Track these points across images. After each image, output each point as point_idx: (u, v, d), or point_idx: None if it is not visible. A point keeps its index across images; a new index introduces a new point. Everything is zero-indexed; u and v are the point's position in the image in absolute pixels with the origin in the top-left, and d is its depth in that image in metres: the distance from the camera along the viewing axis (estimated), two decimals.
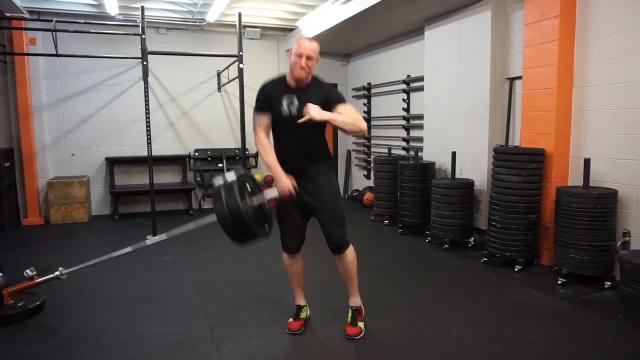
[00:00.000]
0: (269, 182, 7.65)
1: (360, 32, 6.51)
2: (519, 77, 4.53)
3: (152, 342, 2.82)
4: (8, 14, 5.93)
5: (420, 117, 6.12)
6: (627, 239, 3.64)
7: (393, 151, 6.61)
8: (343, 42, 7.41)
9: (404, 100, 6.61)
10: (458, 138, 5.31)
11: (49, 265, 4.28)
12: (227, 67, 6.85)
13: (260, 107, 2.77)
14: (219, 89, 7.50)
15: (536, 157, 4.03)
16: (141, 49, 5.43)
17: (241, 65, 5.84)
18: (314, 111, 2.52)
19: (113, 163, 6.98)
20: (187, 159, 7.39)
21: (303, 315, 3.03)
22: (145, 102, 5.48)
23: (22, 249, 5.18)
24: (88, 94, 6.84)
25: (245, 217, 2.40)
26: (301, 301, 3.07)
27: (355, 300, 2.96)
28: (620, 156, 3.70)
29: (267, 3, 6.38)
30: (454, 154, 5.00)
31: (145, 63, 5.41)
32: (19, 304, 3.22)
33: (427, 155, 5.89)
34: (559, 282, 3.72)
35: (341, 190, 7.59)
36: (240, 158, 6.65)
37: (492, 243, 4.23)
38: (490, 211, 4.30)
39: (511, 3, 4.72)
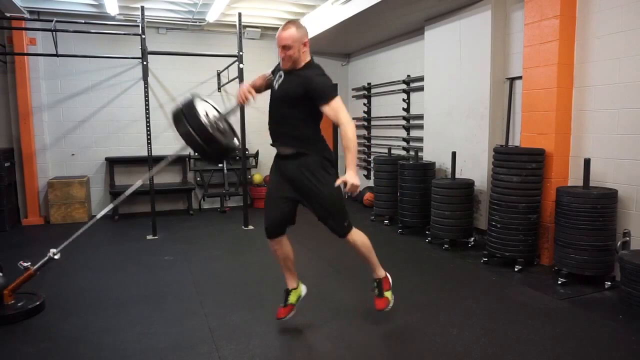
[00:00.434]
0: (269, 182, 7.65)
1: (360, 32, 6.51)
2: (519, 77, 4.53)
3: (152, 342, 2.82)
4: (8, 14, 5.93)
5: (420, 117, 6.12)
6: (627, 239, 3.64)
7: (393, 151, 6.61)
8: (343, 42, 7.41)
9: (404, 100, 6.61)
10: (458, 138, 5.31)
11: (49, 266, 4.29)
12: (227, 67, 6.85)
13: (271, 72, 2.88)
14: (219, 89, 7.49)
15: (536, 157, 4.03)
16: (141, 49, 5.44)
17: (241, 66, 5.84)
18: (355, 188, 2.48)
19: (113, 163, 6.98)
20: (187, 159, 7.39)
21: (292, 299, 2.94)
22: (145, 102, 5.49)
23: (22, 249, 5.17)
24: (88, 94, 6.84)
25: (210, 130, 2.60)
26: (292, 284, 2.98)
27: (378, 273, 2.92)
28: (620, 156, 3.70)
29: (267, 3, 6.38)
30: (454, 154, 5.00)
31: (145, 63, 5.42)
32: (19, 304, 3.23)
33: (427, 155, 5.89)
34: (559, 282, 3.72)
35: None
36: (240, 158, 6.65)
37: (492, 243, 4.23)
38: (490, 211, 4.30)
39: (511, 3, 4.72)
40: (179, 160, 7.43)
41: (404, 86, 6.60)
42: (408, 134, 6.65)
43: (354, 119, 8.68)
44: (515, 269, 4.06)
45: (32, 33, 6.22)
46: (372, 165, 7.40)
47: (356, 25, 6.04)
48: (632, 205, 3.63)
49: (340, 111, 2.57)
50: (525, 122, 4.33)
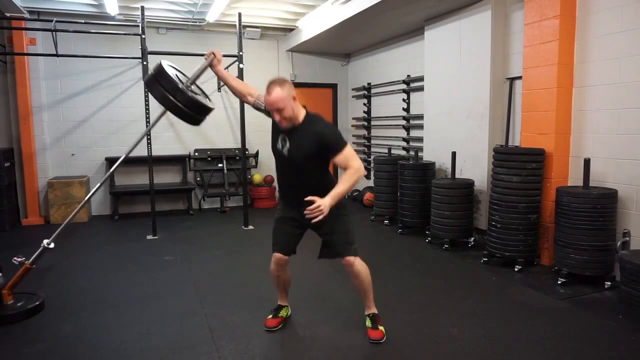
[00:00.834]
0: (269, 181, 7.66)
1: (360, 32, 6.51)
2: (519, 77, 4.53)
3: (152, 342, 2.82)
4: (8, 14, 5.93)
5: (420, 117, 6.12)
6: (627, 239, 3.64)
7: (393, 151, 6.61)
8: (343, 42, 7.41)
9: (404, 100, 6.61)
10: (458, 138, 5.31)
11: (49, 265, 4.29)
12: (227, 67, 6.83)
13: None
14: (219, 89, 7.49)
15: (536, 157, 4.03)
16: (141, 49, 5.44)
17: (241, 66, 5.84)
18: (323, 208, 2.38)
19: (113, 163, 6.97)
20: (187, 159, 7.39)
21: (283, 313, 3.05)
22: (145, 102, 5.49)
23: (22, 249, 5.16)
24: (88, 94, 6.84)
25: (183, 89, 2.71)
26: (283, 302, 3.10)
27: (373, 309, 2.92)
28: (620, 156, 3.70)
29: (267, 3, 6.37)
30: (454, 154, 5.00)
31: (145, 63, 5.42)
32: (19, 304, 3.22)
33: (427, 155, 5.89)
34: (559, 282, 3.72)
35: None
36: (240, 158, 6.65)
37: (492, 243, 4.23)
38: (490, 211, 4.30)
39: (511, 3, 4.72)
40: (179, 160, 7.43)
41: (404, 86, 6.60)
42: (408, 134, 6.65)
43: (354, 118, 8.74)
44: (515, 269, 4.06)
45: (32, 33, 6.22)
46: (372, 165, 7.41)
47: (356, 25, 6.04)
48: (632, 205, 3.63)
49: (351, 158, 2.52)
50: (525, 122, 4.33)
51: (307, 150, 2.56)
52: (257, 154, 7.53)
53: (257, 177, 7.64)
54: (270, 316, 3.02)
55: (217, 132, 7.60)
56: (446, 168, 5.43)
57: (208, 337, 2.87)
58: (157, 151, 6.63)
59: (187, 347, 2.75)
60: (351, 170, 2.49)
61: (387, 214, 6.06)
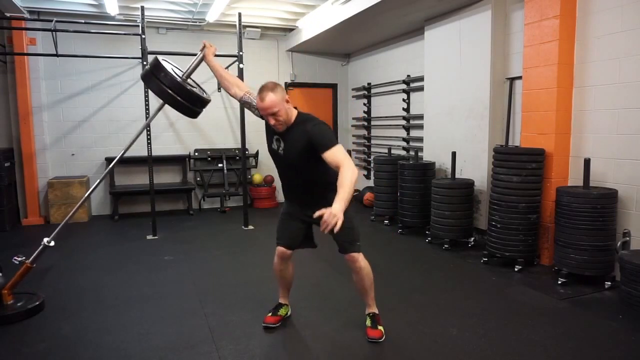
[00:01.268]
0: (269, 181, 7.65)
1: (360, 32, 6.51)
2: (519, 77, 4.53)
3: (152, 342, 2.82)
4: (8, 14, 5.93)
5: (420, 117, 6.12)
6: (627, 239, 3.64)
7: (393, 151, 6.61)
8: (343, 42, 7.41)
9: (404, 100, 6.61)
10: (458, 138, 5.31)
11: (49, 265, 4.29)
12: (227, 67, 6.83)
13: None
14: (219, 89, 7.49)
15: (536, 157, 4.03)
16: (141, 49, 5.44)
17: (241, 65, 5.84)
18: (337, 213, 2.17)
19: None
20: (187, 159, 7.39)
21: (282, 312, 3.05)
22: (145, 102, 5.49)
23: (22, 249, 5.16)
24: (88, 94, 6.84)
25: (181, 83, 2.81)
26: (284, 300, 3.11)
27: (374, 308, 2.93)
28: (620, 156, 3.70)
29: (267, 3, 6.37)
30: (454, 154, 5.00)
31: (145, 63, 5.42)
32: (19, 304, 3.22)
33: (427, 155, 5.89)
34: (559, 282, 3.72)
35: None
36: (240, 158, 6.65)
37: (492, 243, 4.23)
38: (490, 211, 4.30)
39: (511, 3, 4.72)
40: (179, 160, 7.44)
41: (403, 86, 6.60)
42: (408, 134, 6.65)
43: (354, 118, 8.74)
44: (515, 269, 4.06)
45: (32, 33, 6.22)
46: (372, 165, 7.41)
47: (356, 25, 6.04)
48: (632, 205, 3.63)
49: (340, 155, 2.43)
50: (525, 122, 4.33)
51: (300, 148, 2.57)
52: (257, 154, 7.53)
53: (257, 177, 7.64)
54: (270, 314, 3.02)
55: (217, 132, 7.60)
56: (446, 168, 5.43)
57: (208, 337, 2.87)
58: (157, 151, 6.62)
59: (187, 347, 2.75)
60: (343, 170, 2.36)
61: (387, 214, 6.06)
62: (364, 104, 7.78)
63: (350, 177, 2.33)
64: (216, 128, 7.58)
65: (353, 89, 8.26)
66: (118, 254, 4.92)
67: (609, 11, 3.71)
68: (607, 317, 3.10)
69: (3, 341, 2.85)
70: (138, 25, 5.43)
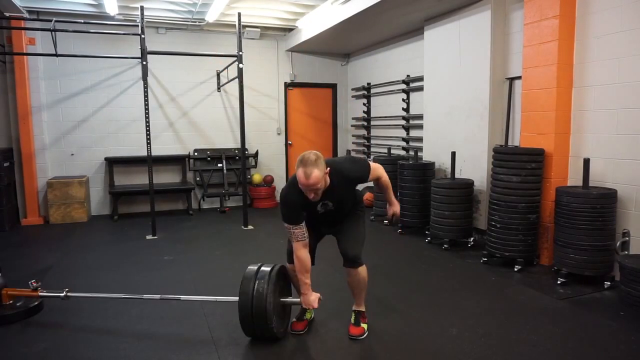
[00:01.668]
0: (269, 181, 7.65)
1: (360, 32, 6.51)
2: (519, 77, 4.54)
3: (152, 342, 2.82)
4: (7, 14, 5.92)
5: (420, 117, 6.12)
6: (627, 239, 3.65)
7: (393, 151, 6.61)
8: (343, 42, 7.41)
9: (403, 100, 6.61)
10: (458, 138, 5.31)
11: (49, 266, 4.29)
12: (227, 67, 6.85)
13: (296, 220, 2.64)
14: (219, 89, 7.49)
15: (536, 157, 4.04)
16: (141, 49, 5.43)
17: (241, 65, 5.84)
18: (397, 210, 3.13)
19: (112, 163, 6.97)
20: (186, 159, 7.39)
21: (307, 316, 3.05)
22: (145, 102, 5.48)
23: (21, 249, 5.17)
24: (87, 94, 6.83)
25: (267, 308, 2.65)
26: None
27: (362, 306, 2.96)
28: (620, 156, 3.70)
29: (267, 3, 6.37)
30: (453, 154, 5.00)
31: (144, 63, 5.41)
32: (18, 304, 3.22)
33: (426, 155, 5.89)
34: (559, 282, 3.72)
35: None
36: (240, 158, 6.64)
37: (491, 243, 4.24)
38: (490, 211, 4.30)
39: (511, 3, 4.72)
40: (179, 160, 7.43)
41: (403, 86, 6.60)
42: (408, 134, 6.65)
43: (353, 118, 8.74)
44: (515, 269, 4.06)
45: (31, 33, 6.21)
46: None
47: (356, 25, 6.04)
48: (632, 205, 3.63)
49: (377, 170, 2.81)
50: (525, 122, 4.33)
51: (348, 194, 2.79)
52: (256, 154, 7.53)
53: (257, 177, 7.63)
54: (295, 319, 3.00)
55: (217, 132, 7.60)
56: (446, 168, 5.43)
57: (208, 337, 2.87)
58: (156, 151, 6.63)
59: (187, 347, 2.75)
60: (383, 177, 2.86)
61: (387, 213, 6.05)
62: (364, 104, 7.78)
63: (388, 180, 2.92)
64: (216, 128, 7.58)
65: (353, 89, 8.26)
66: (117, 254, 4.92)
67: (609, 11, 3.71)
68: (606, 317, 3.10)
69: (3, 341, 2.85)
70: (137, 25, 5.42)
